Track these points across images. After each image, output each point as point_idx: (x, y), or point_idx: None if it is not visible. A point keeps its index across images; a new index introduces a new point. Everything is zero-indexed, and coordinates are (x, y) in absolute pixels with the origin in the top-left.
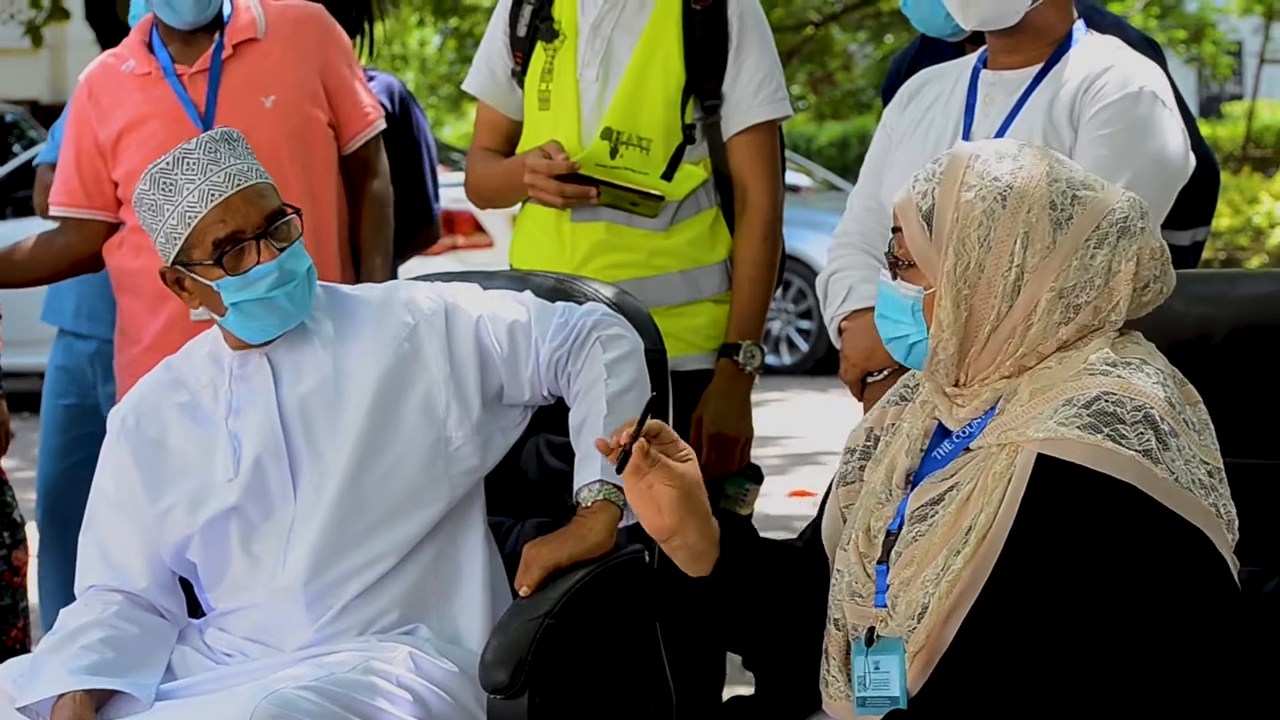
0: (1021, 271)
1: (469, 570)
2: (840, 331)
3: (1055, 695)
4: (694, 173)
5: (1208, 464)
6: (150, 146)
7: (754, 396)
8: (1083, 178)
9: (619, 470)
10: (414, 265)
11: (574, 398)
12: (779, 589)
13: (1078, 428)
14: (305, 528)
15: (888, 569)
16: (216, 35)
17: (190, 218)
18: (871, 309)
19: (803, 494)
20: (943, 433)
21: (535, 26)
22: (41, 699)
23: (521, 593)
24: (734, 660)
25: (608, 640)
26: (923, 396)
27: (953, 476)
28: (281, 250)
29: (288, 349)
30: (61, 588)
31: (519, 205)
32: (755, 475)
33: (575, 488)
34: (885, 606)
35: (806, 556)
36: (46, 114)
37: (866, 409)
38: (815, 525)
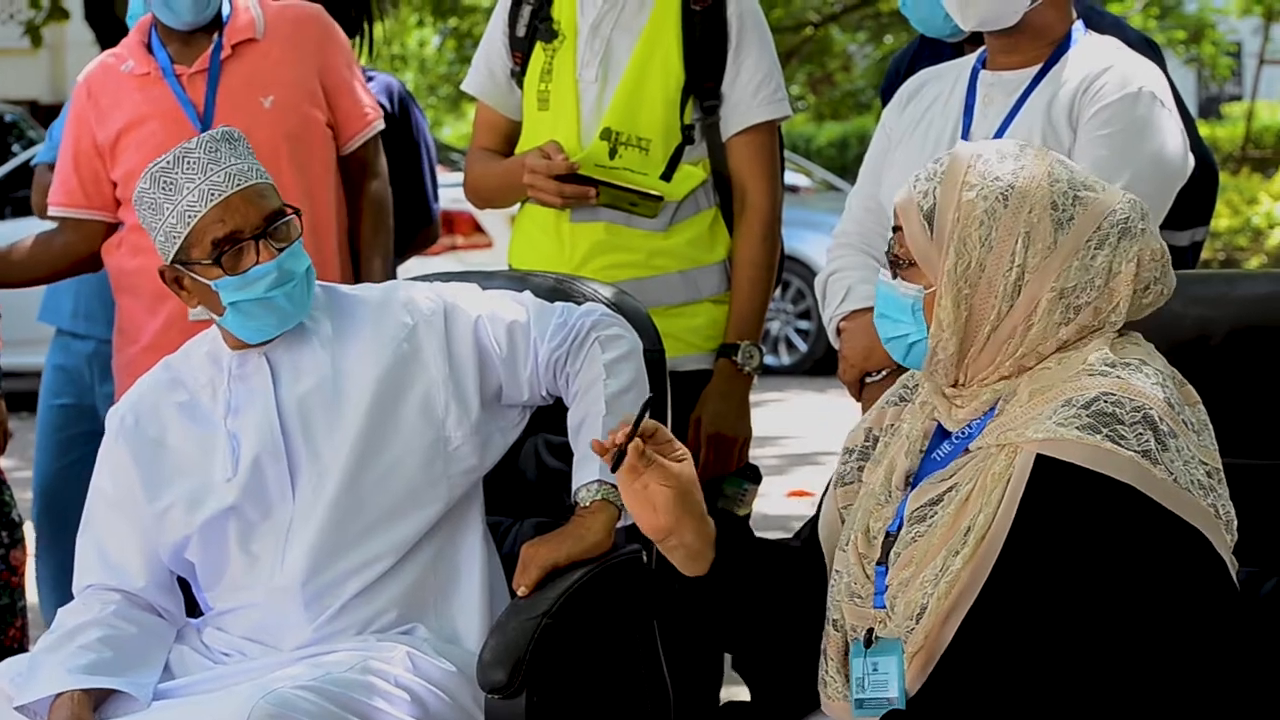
0: (1022, 271)
1: (467, 570)
2: (839, 332)
3: (1054, 696)
4: (693, 173)
5: (1207, 465)
6: (149, 147)
7: (752, 397)
8: (1084, 179)
9: (613, 469)
10: (413, 265)
11: (572, 398)
12: (775, 589)
13: (1077, 428)
14: (303, 527)
15: (886, 570)
16: (215, 35)
17: (190, 217)
18: (870, 309)
19: (801, 494)
20: (942, 434)
21: (534, 27)
22: (39, 698)
23: (519, 592)
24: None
25: (606, 640)
26: (921, 397)
27: (951, 477)
28: (280, 250)
29: (286, 349)
30: (59, 587)
31: (518, 205)
32: (754, 475)
33: (573, 487)
34: (884, 607)
35: (803, 556)
36: (46, 114)
37: (865, 409)
38: (812, 524)
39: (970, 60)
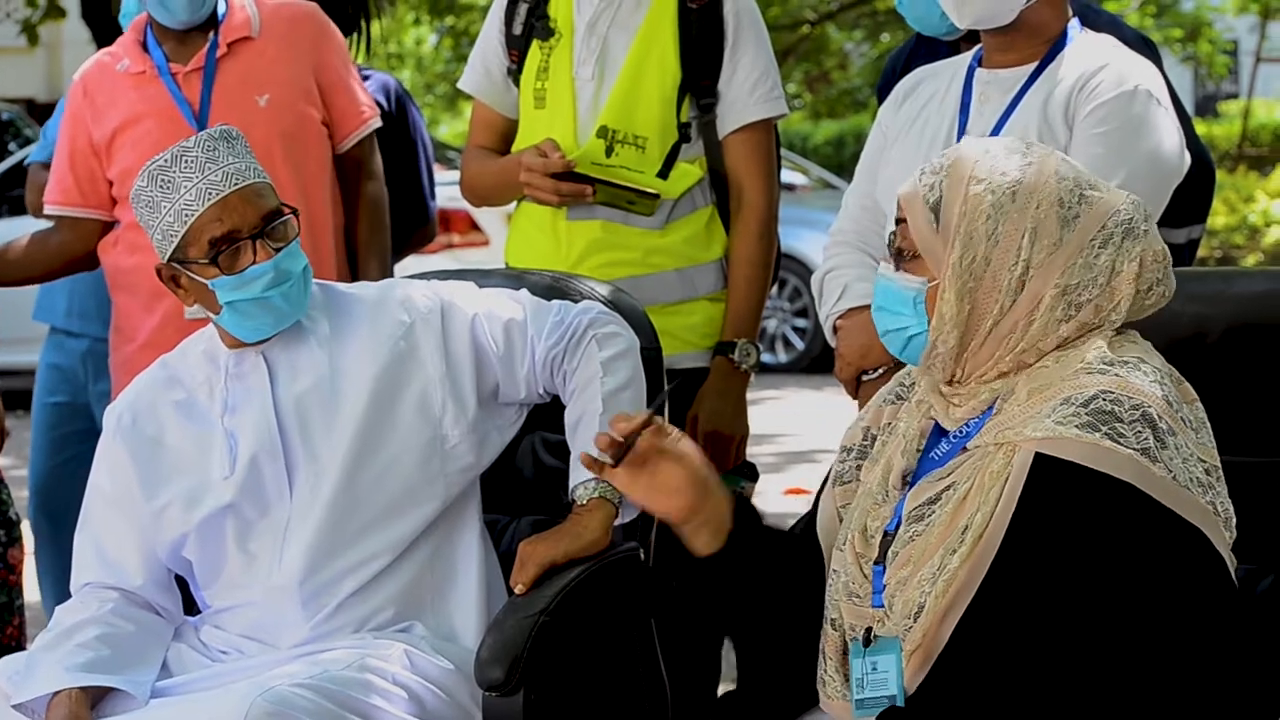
0: (1027, 267)
1: (464, 568)
2: (835, 329)
3: (1052, 694)
4: (689, 171)
5: (1205, 462)
6: (145, 145)
7: (749, 395)
8: (1089, 178)
9: (616, 463)
10: (410, 264)
11: (569, 396)
12: (782, 570)
13: (1076, 426)
14: (301, 526)
15: (884, 569)
16: (211, 34)
17: (187, 216)
18: (867, 307)
19: (798, 492)
20: (939, 432)
21: (531, 25)
22: (37, 696)
23: (517, 590)
24: (729, 657)
25: (603, 637)
26: (918, 396)
27: (949, 476)
28: (278, 250)
29: (284, 347)
30: (61, 584)
31: (514, 203)
32: (751, 473)
33: (571, 485)
34: (882, 606)
35: (802, 544)
36: (42, 112)
37: (862, 407)
38: (809, 520)
39: (966, 58)
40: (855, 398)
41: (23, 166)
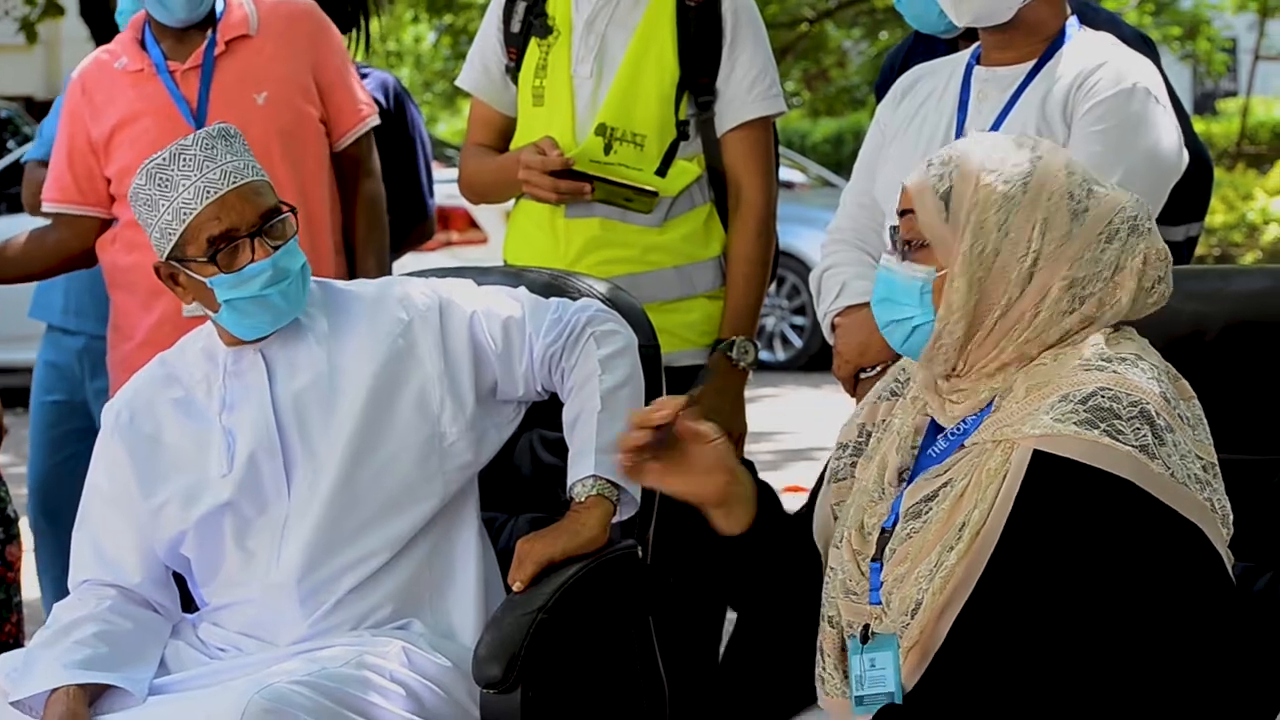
0: (1037, 258)
1: (462, 565)
2: (834, 327)
3: (1050, 691)
4: (688, 169)
5: (1202, 459)
6: (143, 143)
7: (747, 392)
8: (1095, 174)
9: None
10: (408, 261)
11: (568, 393)
12: (797, 552)
13: (1074, 423)
14: (299, 523)
15: (881, 566)
16: (209, 32)
17: (185, 214)
18: (865, 305)
19: (796, 490)
20: (935, 429)
21: (529, 22)
22: (35, 693)
23: (515, 588)
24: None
25: (601, 635)
26: (913, 392)
27: (946, 473)
28: (276, 248)
29: (282, 345)
30: (58, 583)
31: (513, 201)
32: (749, 471)
33: (569, 483)
34: (879, 603)
35: (804, 532)
36: (41, 110)
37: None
38: (805, 514)
39: (964, 56)
40: (853, 395)
41: (20, 164)
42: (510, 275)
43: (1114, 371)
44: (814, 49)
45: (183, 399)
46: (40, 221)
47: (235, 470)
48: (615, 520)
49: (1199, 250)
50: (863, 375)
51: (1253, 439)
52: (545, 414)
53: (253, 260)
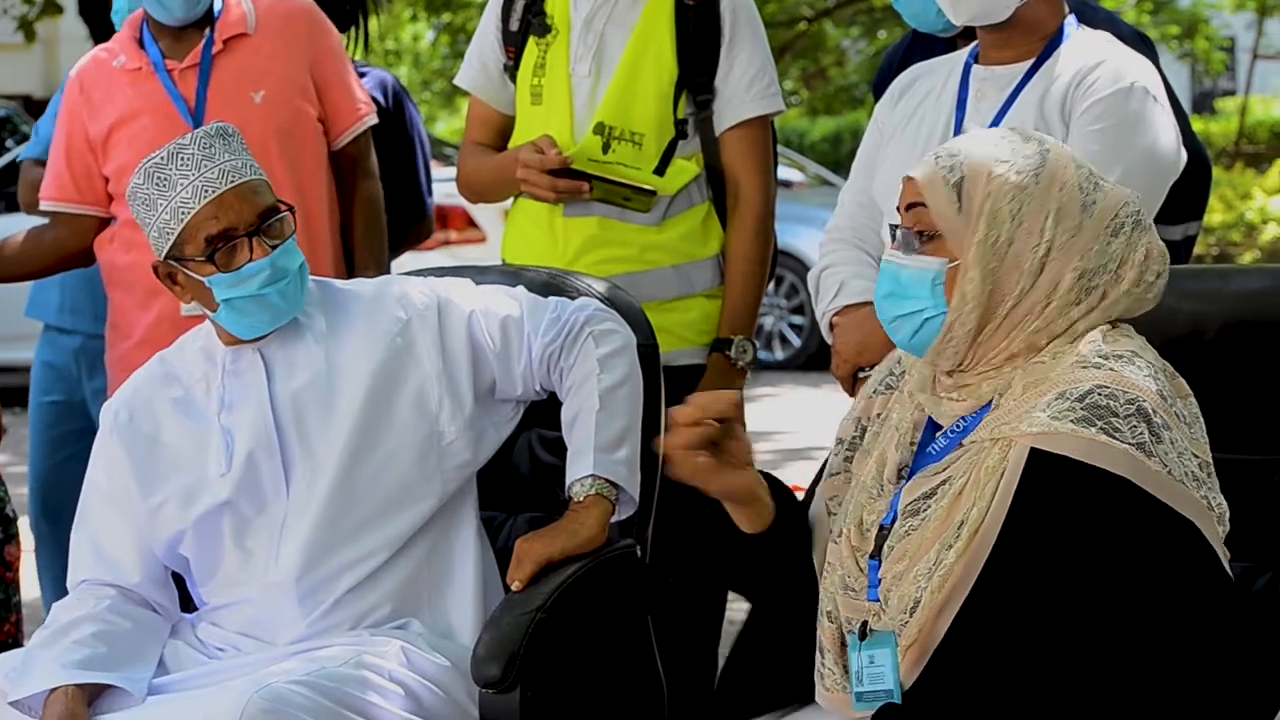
0: (1050, 249)
1: (461, 565)
2: (832, 327)
3: (1048, 689)
4: (686, 168)
5: (1198, 457)
6: (141, 142)
7: (746, 392)
8: (1097, 170)
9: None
10: (407, 260)
11: (566, 393)
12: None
13: (1071, 421)
14: (298, 523)
15: (879, 563)
16: (207, 31)
17: (183, 213)
18: (863, 304)
19: (795, 489)
20: (934, 426)
21: (528, 21)
22: (34, 693)
23: (514, 587)
24: (726, 654)
25: (600, 634)
26: (909, 388)
27: (945, 470)
28: (274, 247)
29: (280, 344)
30: (59, 583)
31: (511, 200)
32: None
33: (567, 482)
34: (877, 601)
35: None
36: (39, 109)
37: None
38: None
39: (963, 55)
40: (852, 395)
41: (17, 164)
42: (508, 274)
43: (1111, 369)
44: (812, 48)
45: (181, 398)
46: (37, 220)
47: (234, 469)
48: (614, 520)
49: (1197, 249)
50: (861, 374)
51: (1251, 438)
52: (544, 413)
53: (251, 259)
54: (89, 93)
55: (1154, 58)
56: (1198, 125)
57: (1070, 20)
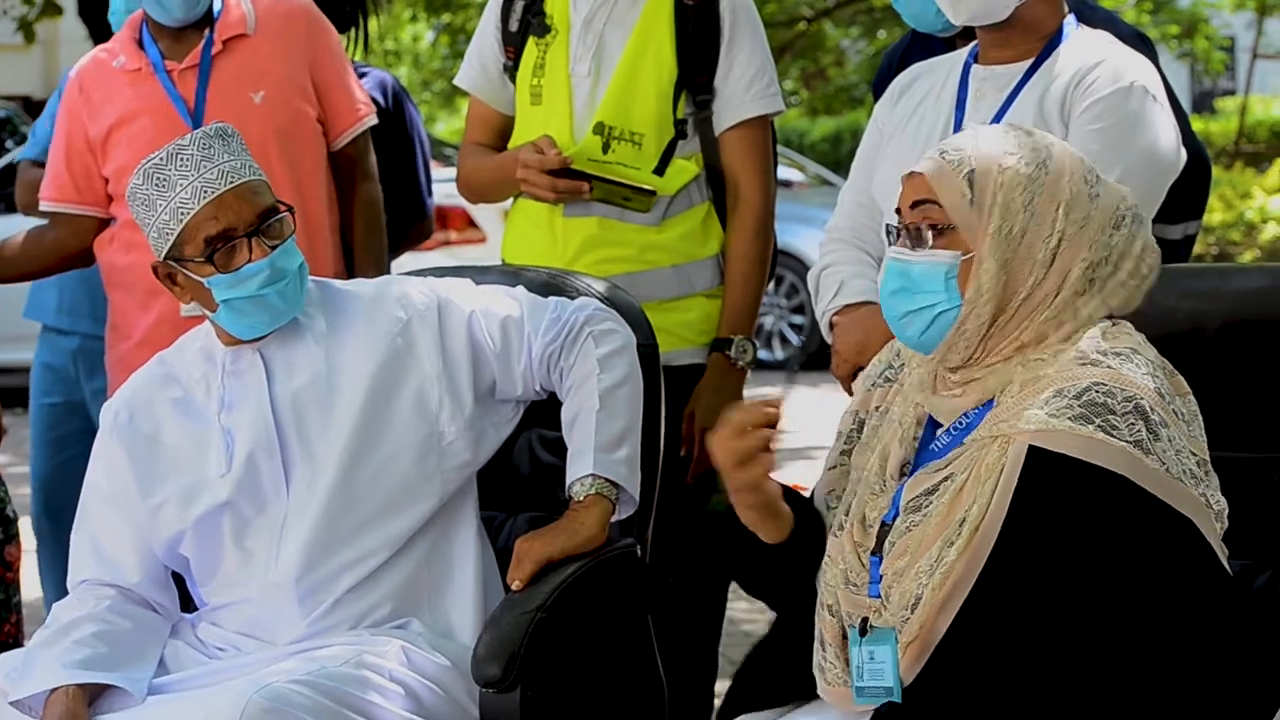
0: (1061, 239)
1: (461, 565)
2: (832, 326)
3: (1048, 685)
4: (686, 167)
5: (1196, 455)
6: (140, 142)
7: (746, 392)
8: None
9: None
10: (406, 260)
11: (566, 393)
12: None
13: (1069, 419)
14: (298, 523)
15: (880, 559)
16: (206, 31)
17: (183, 214)
18: (863, 304)
19: (795, 488)
20: (935, 422)
21: (527, 21)
22: (34, 693)
23: (514, 587)
24: (726, 654)
25: (600, 634)
26: (909, 384)
27: (947, 467)
28: (273, 248)
29: (280, 344)
30: (61, 584)
31: (511, 200)
32: None
33: (568, 482)
34: (878, 597)
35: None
36: (39, 110)
37: None
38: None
39: (962, 55)
40: (851, 395)
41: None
42: (508, 274)
43: (1109, 366)
44: (812, 48)
45: (181, 399)
46: (36, 221)
47: (234, 470)
48: (614, 519)
49: (1197, 249)
50: (861, 374)
51: (1251, 437)
52: (544, 413)
53: (250, 260)
54: (88, 93)
55: (1153, 57)
56: (1198, 125)
57: (1070, 20)
